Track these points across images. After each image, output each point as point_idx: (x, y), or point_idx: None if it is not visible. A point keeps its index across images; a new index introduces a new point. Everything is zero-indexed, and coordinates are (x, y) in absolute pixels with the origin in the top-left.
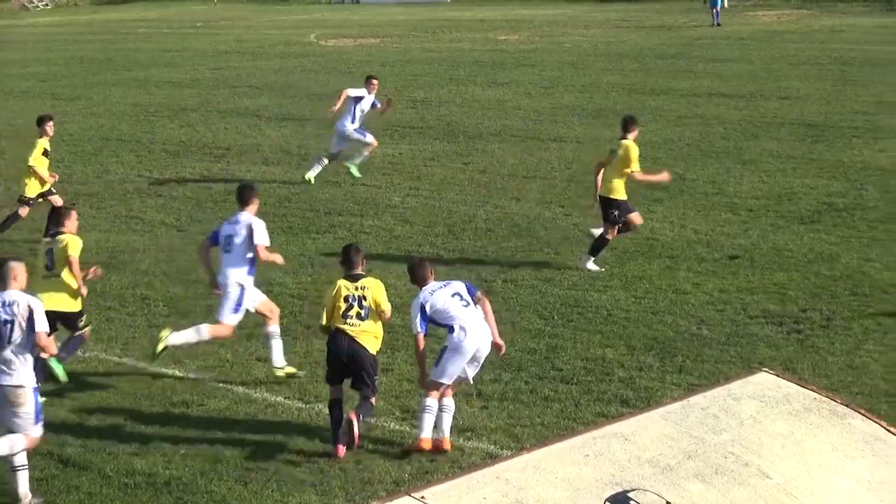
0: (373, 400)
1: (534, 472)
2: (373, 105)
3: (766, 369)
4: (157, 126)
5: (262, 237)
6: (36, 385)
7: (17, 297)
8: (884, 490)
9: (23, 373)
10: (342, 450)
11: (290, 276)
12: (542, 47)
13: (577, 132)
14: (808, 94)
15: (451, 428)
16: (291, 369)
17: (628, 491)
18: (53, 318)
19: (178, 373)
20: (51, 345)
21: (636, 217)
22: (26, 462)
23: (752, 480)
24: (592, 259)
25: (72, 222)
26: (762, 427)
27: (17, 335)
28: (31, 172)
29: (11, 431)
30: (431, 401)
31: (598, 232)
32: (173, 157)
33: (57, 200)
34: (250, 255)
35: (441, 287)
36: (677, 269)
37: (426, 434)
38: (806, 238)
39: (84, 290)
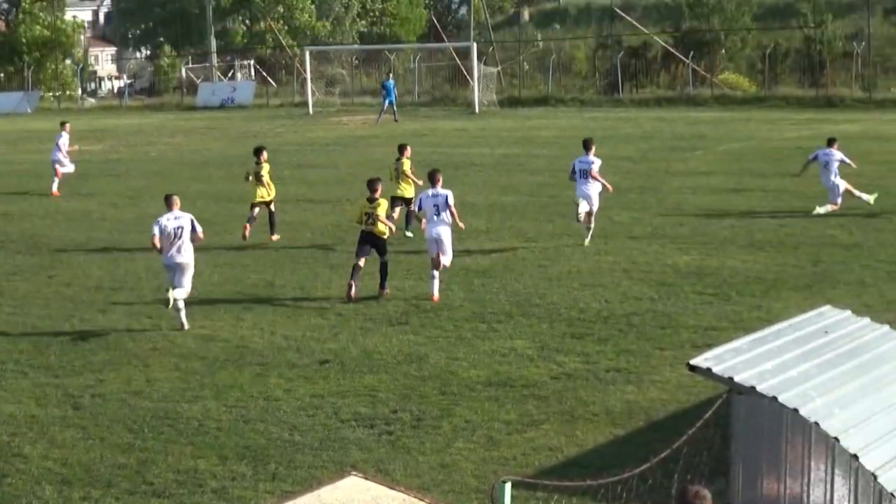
0: (386, 259)
1: None
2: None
3: (355, 473)
4: None
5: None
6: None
7: (180, 214)
8: None
9: (188, 255)
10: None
11: None
12: (127, 157)
13: None
14: None
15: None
16: None
17: None
18: None
19: None
20: (201, 237)
21: None
22: (183, 306)
23: None
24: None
25: None
26: None
27: (185, 235)
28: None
29: (180, 287)
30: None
31: None
32: None
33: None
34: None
35: (433, 194)
36: (268, 376)
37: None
38: (395, 340)
39: None
